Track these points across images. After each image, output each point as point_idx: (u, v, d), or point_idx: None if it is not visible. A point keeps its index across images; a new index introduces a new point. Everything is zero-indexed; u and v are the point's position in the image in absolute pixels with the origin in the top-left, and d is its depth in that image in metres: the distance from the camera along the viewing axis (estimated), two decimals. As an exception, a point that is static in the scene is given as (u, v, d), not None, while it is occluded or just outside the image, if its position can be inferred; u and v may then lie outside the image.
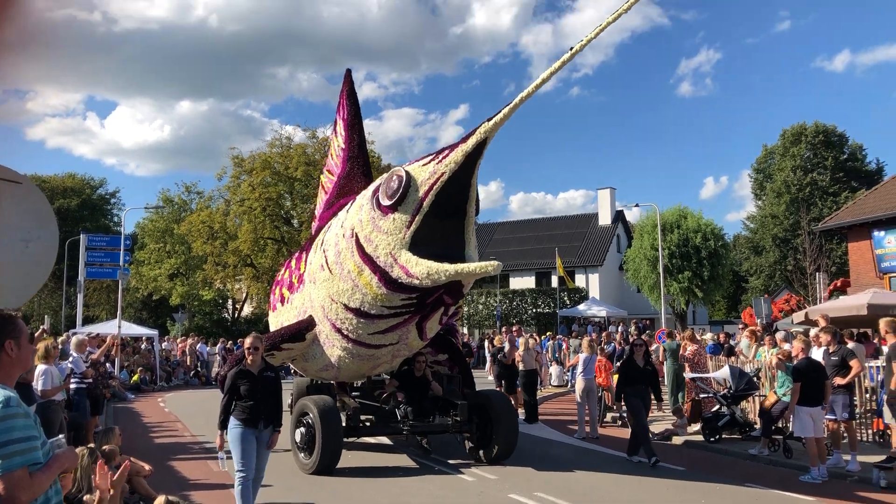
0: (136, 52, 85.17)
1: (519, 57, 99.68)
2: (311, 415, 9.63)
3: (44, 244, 3.73)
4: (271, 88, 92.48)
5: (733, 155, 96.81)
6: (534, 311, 43.14)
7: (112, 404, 18.18)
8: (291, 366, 12.05)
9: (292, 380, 15.23)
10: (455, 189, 7.49)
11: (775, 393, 11.09)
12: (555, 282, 42.89)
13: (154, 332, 27.89)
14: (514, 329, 22.42)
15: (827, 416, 10.06)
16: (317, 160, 37.52)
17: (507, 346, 16.18)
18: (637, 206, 40.85)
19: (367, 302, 8.29)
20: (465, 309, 43.22)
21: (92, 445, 6.56)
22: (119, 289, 25.48)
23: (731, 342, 18.63)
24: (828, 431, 10.29)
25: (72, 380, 11.01)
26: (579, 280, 44.35)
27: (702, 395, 13.36)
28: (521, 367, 15.23)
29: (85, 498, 5.63)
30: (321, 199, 13.07)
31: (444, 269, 7.17)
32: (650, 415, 11.96)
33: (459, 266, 7.13)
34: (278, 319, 11.21)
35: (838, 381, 10.04)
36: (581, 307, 39.72)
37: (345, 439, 9.99)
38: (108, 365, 19.47)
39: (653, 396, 11.43)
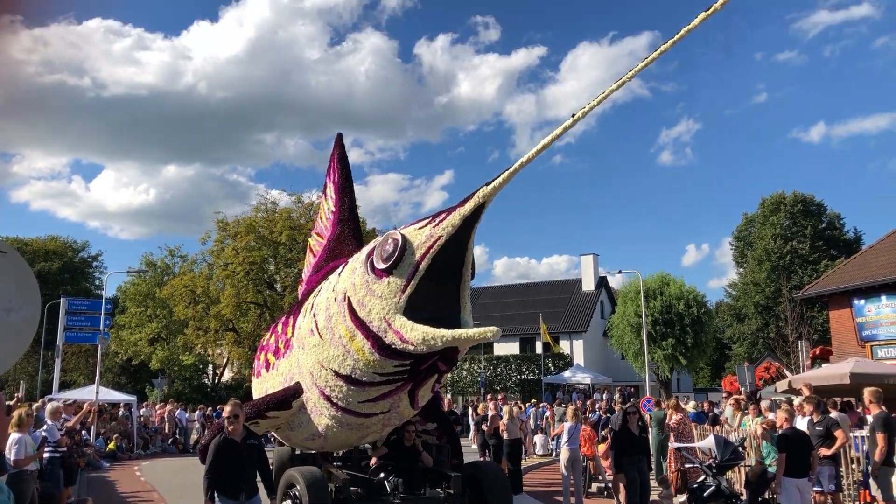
0: (125, 117, 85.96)
1: (503, 126, 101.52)
2: (298, 487, 9.29)
3: (25, 314, 3.70)
4: (258, 154, 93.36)
5: (714, 222, 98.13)
6: (518, 377, 42.84)
7: (87, 473, 17.69)
8: (274, 434, 11.75)
9: (272, 447, 14.94)
10: (451, 253, 7.41)
11: (761, 462, 10.99)
12: (539, 348, 42.74)
13: (132, 399, 27.37)
14: (499, 397, 22.23)
15: (814, 488, 9.97)
16: (301, 225, 37.62)
17: (490, 414, 16.02)
18: (620, 272, 41.03)
19: (359, 368, 8.11)
20: (449, 375, 42.82)
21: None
22: (98, 354, 25.13)
23: (716, 411, 18.55)
24: (815, 503, 10.18)
25: (45, 449, 10.73)
26: (563, 346, 44.23)
27: (687, 466, 13.21)
28: (505, 436, 15.05)
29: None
30: (309, 262, 12.87)
31: (441, 335, 7.00)
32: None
33: (457, 332, 6.99)
34: (263, 386, 10.96)
35: (824, 451, 9.98)
36: (566, 374, 39.50)
37: None
38: (83, 433, 19.04)
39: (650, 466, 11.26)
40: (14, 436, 8.98)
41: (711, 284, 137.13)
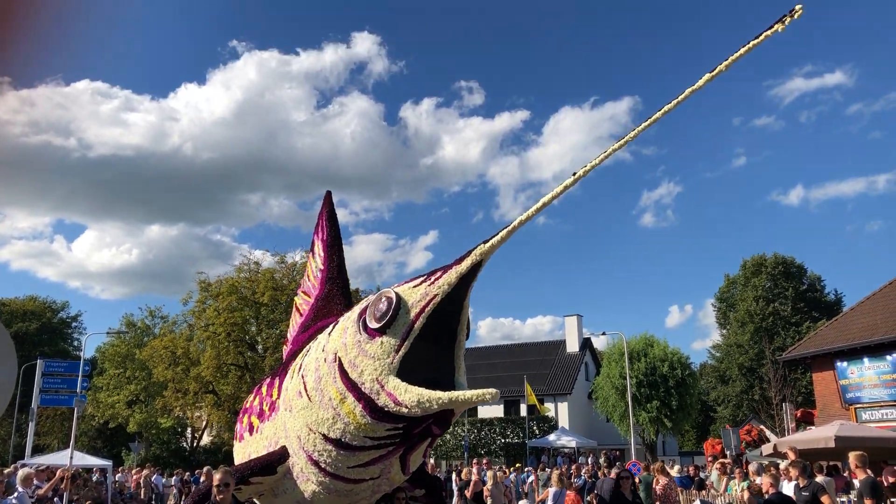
0: (110, 177, 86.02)
1: (487, 187, 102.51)
2: None
3: (1, 379, 3.64)
4: (242, 214, 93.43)
5: (697, 284, 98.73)
6: (502, 440, 42.29)
7: (57, 542, 17.10)
8: (256, 501, 11.39)
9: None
10: (447, 312, 7.21)
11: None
12: (523, 410, 42.32)
13: (108, 463, 26.68)
14: (483, 462, 21.87)
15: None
16: (284, 285, 37.49)
17: (473, 478, 15.74)
18: (604, 333, 40.95)
19: (350, 432, 7.77)
20: (432, 438, 42.15)
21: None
22: (74, 417, 24.60)
23: (702, 475, 18.36)
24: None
25: (16, 517, 10.39)
26: (548, 409, 43.82)
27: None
28: (489, 502, 14.77)
29: None
30: (295, 321, 12.89)
31: (437, 397, 6.76)
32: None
33: (454, 393, 6.77)
34: (245, 450, 10.46)
35: (811, 517, 9.86)
36: (550, 437, 39.04)
37: None
38: (55, 500, 18.48)
39: None
40: (-17, 504, 8.71)
41: (695, 346, 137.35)
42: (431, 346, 7.42)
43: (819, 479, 11.52)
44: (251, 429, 10.99)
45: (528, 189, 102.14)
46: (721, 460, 18.24)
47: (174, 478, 27.62)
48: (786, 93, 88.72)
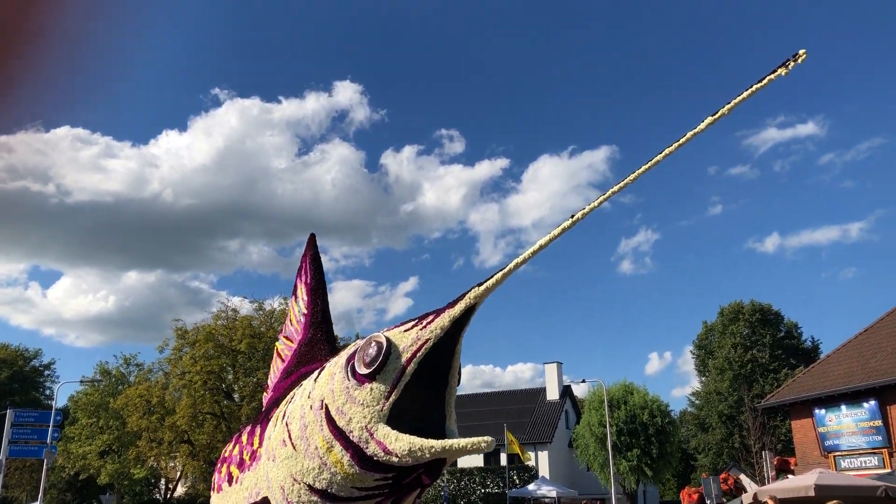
0: (87, 223, 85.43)
1: (467, 233, 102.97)
2: None
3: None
4: (221, 260, 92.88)
5: (676, 331, 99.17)
6: (482, 490, 41.73)
7: None
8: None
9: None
10: (438, 358, 7.39)
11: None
12: (503, 460, 41.88)
13: (77, 516, 26.08)
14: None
15: None
16: (262, 332, 37.14)
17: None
18: (584, 381, 40.90)
19: (337, 483, 7.76)
20: (411, 489, 41.53)
21: None
22: (44, 468, 24.05)
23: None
24: None
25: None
26: (527, 460, 43.41)
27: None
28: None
29: None
30: (277, 367, 12.71)
31: (429, 446, 6.72)
32: None
33: (448, 442, 6.73)
34: (224, 502, 10.55)
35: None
36: (531, 487, 38.59)
37: None
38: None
39: None
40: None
41: (675, 393, 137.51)
42: (422, 392, 7.53)
43: (800, 528, 11.47)
44: (230, 479, 10.53)
45: (507, 236, 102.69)
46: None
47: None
48: (760, 142, 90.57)
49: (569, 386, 49.45)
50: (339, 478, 6.88)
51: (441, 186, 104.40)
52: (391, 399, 6.36)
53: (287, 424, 7.70)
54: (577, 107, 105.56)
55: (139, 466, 41.07)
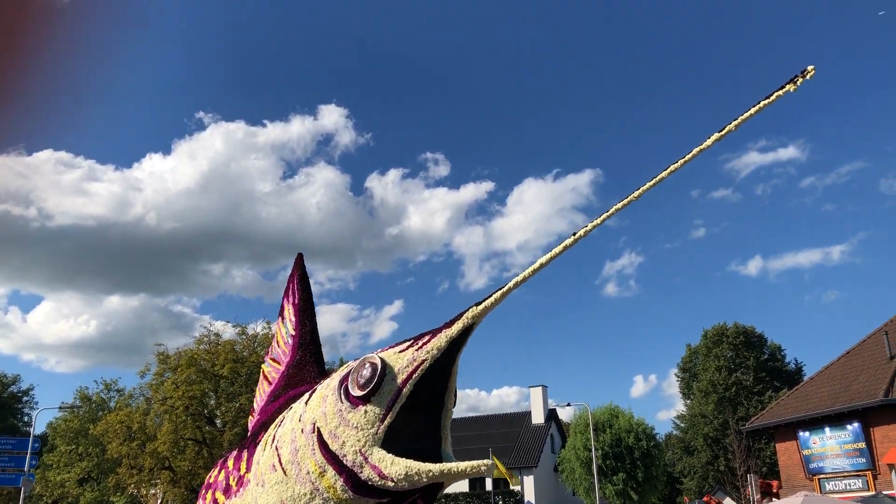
0: (69, 247, 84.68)
1: (452, 256, 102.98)
2: None
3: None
4: (204, 284, 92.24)
5: (660, 354, 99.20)
6: (467, 516, 41.39)
7: None
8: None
9: None
10: (433, 379, 7.17)
11: None
12: (489, 485, 41.57)
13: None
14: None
15: None
16: (245, 357, 36.83)
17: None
18: (569, 405, 40.84)
19: None
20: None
21: None
22: (21, 497, 23.61)
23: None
24: None
25: None
26: (515, 484, 43.12)
27: None
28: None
29: None
30: (263, 390, 12.31)
31: (427, 470, 6.45)
32: None
33: (446, 465, 6.48)
34: None
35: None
36: (516, 512, 38.35)
37: None
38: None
39: None
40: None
41: (660, 416, 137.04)
42: (417, 415, 7.33)
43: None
44: None
45: (492, 259, 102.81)
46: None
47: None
48: (742, 166, 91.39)
49: (554, 410, 49.31)
50: (332, 503, 7.63)
51: (426, 209, 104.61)
52: (386, 422, 6.18)
53: (277, 448, 8.26)
54: (561, 130, 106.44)
55: (119, 494, 40.44)
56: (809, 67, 4.26)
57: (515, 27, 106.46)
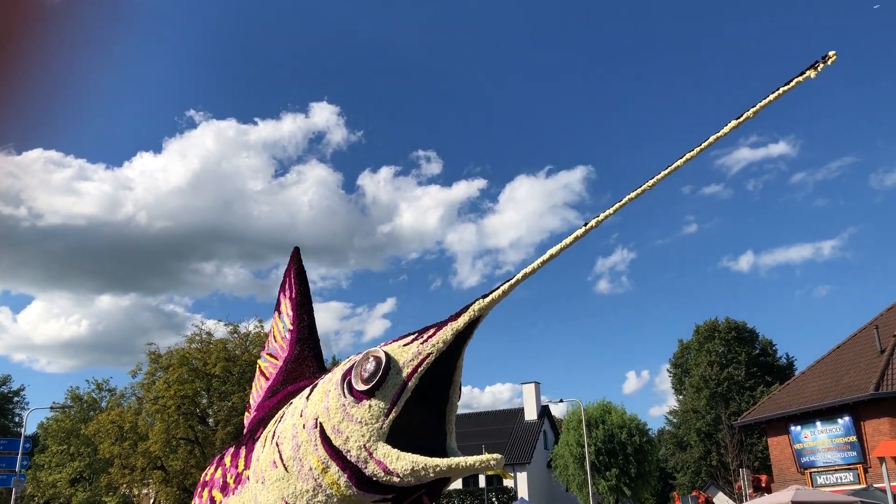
0: (60, 247, 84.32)
1: (444, 254, 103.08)
2: None
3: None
4: (196, 283, 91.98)
5: (652, 349, 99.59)
6: (461, 513, 41.42)
7: None
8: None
9: None
10: (439, 373, 6.49)
11: None
12: (482, 481, 41.62)
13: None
14: (439, 535, 21.36)
15: None
16: (237, 356, 36.75)
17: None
18: (562, 401, 40.82)
19: None
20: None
21: None
22: (12, 498, 23.50)
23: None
24: None
25: None
26: (508, 479, 43.18)
27: None
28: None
29: None
30: (260, 385, 11.85)
31: (434, 465, 6.00)
32: None
33: (454, 460, 5.95)
34: None
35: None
36: (509, 508, 38.41)
37: None
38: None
39: None
40: None
41: (653, 412, 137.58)
42: (422, 409, 6.62)
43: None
44: (213, 503, 9.86)
45: (485, 256, 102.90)
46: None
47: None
48: (733, 162, 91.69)
49: (547, 406, 49.40)
50: (335, 500, 6.60)
51: (418, 207, 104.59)
52: (391, 416, 6.23)
53: (278, 445, 7.39)
54: (553, 127, 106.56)
55: (111, 494, 40.25)
56: (831, 53, 4.15)
57: (507, 24, 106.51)
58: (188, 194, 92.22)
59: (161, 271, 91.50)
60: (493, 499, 40.47)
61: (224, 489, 8.52)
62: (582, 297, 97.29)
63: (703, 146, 5.68)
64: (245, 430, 10.67)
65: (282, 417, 7.92)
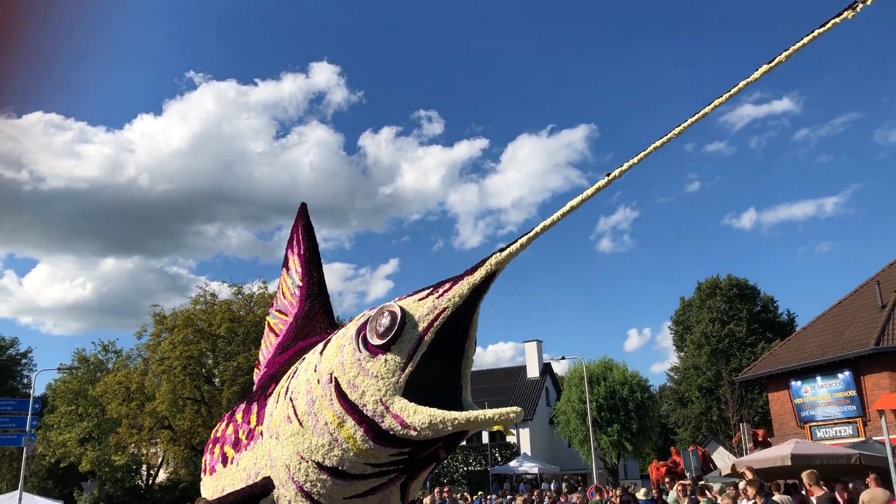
0: (62, 210, 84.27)
1: (446, 215, 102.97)
2: None
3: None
4: (199, 246, 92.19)
5: (654, 307, 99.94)
6: (465, 469, 42.05)
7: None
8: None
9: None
10: (454, 327, 6.70)
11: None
12: (485, 438, 42.18)
13: (58, 504, 25.99)
14: (445, 490, 21.72)
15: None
16: (242, 317, 37.01)
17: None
18: (563, 358, 41.14)
19: (349, 459, 7.04)
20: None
21: None
22: (23, 457, 23.88)
23: (665, 497, 18.43)
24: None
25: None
26: (512, 435, 43.76)
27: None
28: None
29: None
30: (269, 342, 11.26)
31: (452, 418, 6.20)
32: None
33: (473, 413, 6.20)
34: (218, 484, 9.28)
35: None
36: (513, 464, 38.95)
37: None
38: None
39: None
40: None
41: (654, 369, 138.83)
42: (437, 363, 6.82)
43: (777, 497, 11.65)
44: (224, 460, 9.28)
45: (487, 216, 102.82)
46: (681, 482, 18.35)
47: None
48: (736, 119, 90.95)
49: (549, 364, 49.80)
50: (351, 454, 6.86)
51: (420, 168, 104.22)
52: (407, 370, 6.41)
53: (292, 400, 7.68)
54: (555, 85, 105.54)
55: (120, 453, 40.90)
56: None
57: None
58: (189, 156, 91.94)
59: (164, 234, 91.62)
60: (497, 454, 41.05)
61: (236, 445, 8.98)
62: (584, 257, 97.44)
63: (732, 92, 5.53)
64: (255, 387, 10.56)
65: (295, 373, 8.19)
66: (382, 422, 6.61)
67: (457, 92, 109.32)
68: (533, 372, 48.62)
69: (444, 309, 6.51)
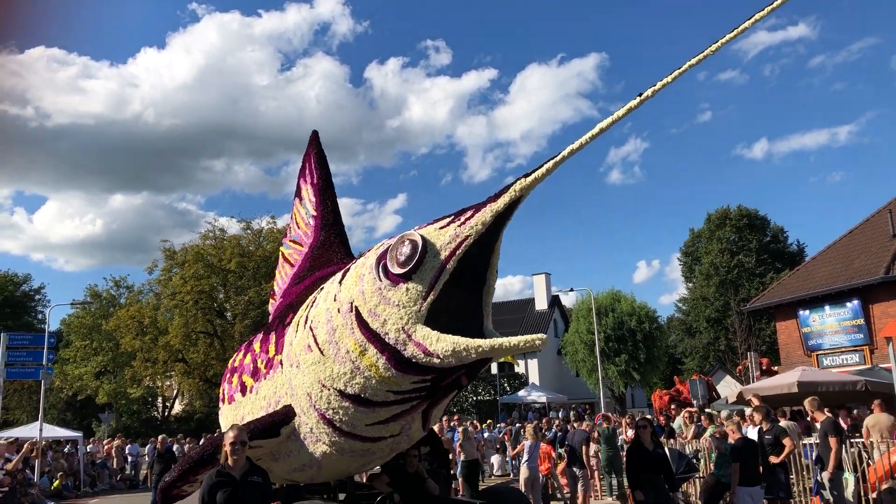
0: (69, 147, 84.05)
1: (454, 148, 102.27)
2: None
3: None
4: (207, 181, 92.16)
5: (663, 239, 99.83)
6: (474, 398, 42.77)
7: (30, 514, 17.02)
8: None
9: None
10: (477, 255, 6.54)
11: (713, 474, 11.08)
12: (494, 368, 42.76)
13: (78, 435, 26.54)
14: (454, 419, 22.11)
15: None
16: (251, 252, 37.22)
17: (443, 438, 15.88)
18: (572, 290, 41.34)
19: (371, 387, 6.99)
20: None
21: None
22: (41, 389, 24.35)
23: (672, 424, 18.74)
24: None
25: (-15, 489, 10.29)
26: (518, 366, 44.35)
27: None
28: (461, 457, 14.94)
29: None
30: (284, 272, 11.34)
31: (476, 345, 6.11)
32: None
33: (497, 340, 6.13)
34: (237, 413, 9.42)
35: (773, 459, 10.14)
36: (521, 393, 39.57)
37: None
38: (27, 472, 18.36)
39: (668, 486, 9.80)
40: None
41: (663, 300, 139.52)
42: (459, 291, 6.76)
43: (783, 423, 11.81)
44: (243, 389, 9.54)
45: (496, 149, 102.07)
46: (688, 409, 18.64)
47: (148, 446, 27.54)
48: (750, 46, 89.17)
49: (557, 296, 50.10)
50: (373, 382, 6.90)
51: (427, 100, 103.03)
52: (429, 299, 6.40)
53: (312, 329, 7.71)
54: (565, 13, 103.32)
55: (135, 386, 41.74)
56: None
57: None
58: (195, 91, 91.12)
59: (172, 169, 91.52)
60: (506, 384, 41.68)
61: (255, 374, 9.13)
62: (594, 188, 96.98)
63: (756, 18, 5.34)
64: (272, 317, 10.44)
65: (314, 302, 8.24)
66: (405, 350, 6.57)
67: (464, 20, 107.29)
68: (541, 304, 48.96)
69: (467, 237, 6.37)
